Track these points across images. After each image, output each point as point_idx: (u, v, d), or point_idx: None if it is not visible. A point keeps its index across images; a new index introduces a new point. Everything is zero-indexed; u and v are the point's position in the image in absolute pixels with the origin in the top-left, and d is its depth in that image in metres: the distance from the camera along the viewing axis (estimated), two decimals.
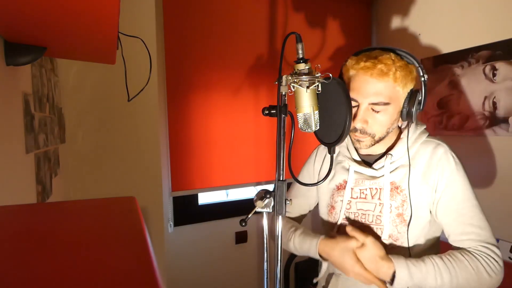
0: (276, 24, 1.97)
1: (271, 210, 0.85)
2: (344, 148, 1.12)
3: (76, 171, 1.38)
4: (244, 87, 1.91)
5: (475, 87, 1.70)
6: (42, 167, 0.94)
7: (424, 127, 1.07)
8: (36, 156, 0.88)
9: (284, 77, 0.84)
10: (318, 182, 0.90)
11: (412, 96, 0.98)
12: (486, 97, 1.65)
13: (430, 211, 1.01)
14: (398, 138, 1.07)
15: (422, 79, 0.98)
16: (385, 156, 1.04)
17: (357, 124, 0.99)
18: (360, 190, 1.07)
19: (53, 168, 1.10)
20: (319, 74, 0.83)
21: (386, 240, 1.01)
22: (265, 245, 0.89)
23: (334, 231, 1.09)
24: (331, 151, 0.90)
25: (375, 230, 1.03)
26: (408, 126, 1.04)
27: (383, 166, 1.03)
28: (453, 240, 0.98)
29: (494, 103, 1.62)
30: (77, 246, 0.32)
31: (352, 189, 1.08)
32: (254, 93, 1.94)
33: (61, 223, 0.39)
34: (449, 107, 1.82)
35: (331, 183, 1.13)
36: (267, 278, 0.93)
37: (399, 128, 1.10)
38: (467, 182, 0.99)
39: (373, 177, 1.05)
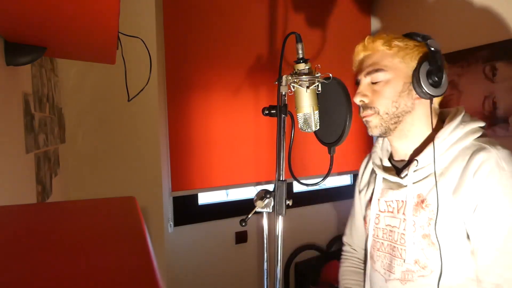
0: (276, 24, 1.97)
1: (271, 210, 0.85)
2: (375, 155, 1.03)
3: (76, 171, 1.38)
4: (244, 87, 1.91)
5: (475, 87, 1.70)
6: (42, 167, 0.94)
7: (477, 125, 0.87)
8: (36, 156, 0.88)
9: (284, 77, 0.84)
10: (318, 182, 0.89)
11: (420, 67, 0.86)
12: (486, 97, 1.65)
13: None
14: (432, 138, 0.89)
15: (432, 48, 0.85)
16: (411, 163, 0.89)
17: (355, 99, 0.91)
18: (386, 202, 0.95)
19: (53, 168, 1.10)
20: (319, 74, 0.83)
21: (411, 265, 0.86)
22: (265, 245, 0.89)
23: None
24: (330, 151, 0.90)
25: (399, 250, 0.90)
26: (431, 112, 0.89)
27: (407, 174, 0.89)
28: (478, 280, 0.81)
29: (494, 103, 1.62)
30: (77, 246, 0.32)
31: (378, 200, 0.97)
32: (254, 93, 1.94)
33: (61, 223, 0.39)
34: (449, 107, 1.82)
35: (366, 195, 1.06)
36: (267, 278, 0.93)
37: (441, 122, 0.95)
38: None
39: (400, 186, 0.92)
